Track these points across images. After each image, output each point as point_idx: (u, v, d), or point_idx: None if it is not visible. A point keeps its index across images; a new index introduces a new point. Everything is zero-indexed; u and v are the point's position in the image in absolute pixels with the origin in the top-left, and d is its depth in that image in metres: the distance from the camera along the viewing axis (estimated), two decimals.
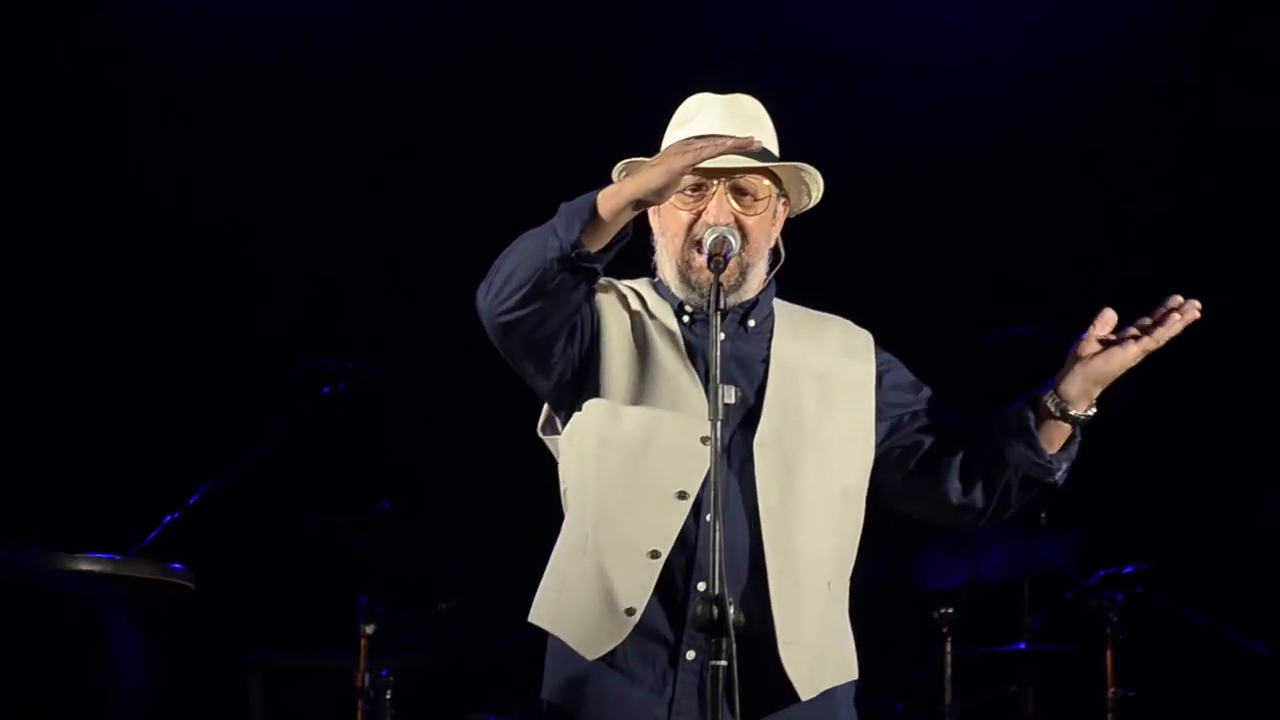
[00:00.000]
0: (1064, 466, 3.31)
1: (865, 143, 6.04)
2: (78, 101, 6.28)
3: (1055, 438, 3.29)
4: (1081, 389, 3.25)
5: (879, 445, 3.37)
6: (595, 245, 3.09)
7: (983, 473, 3.32)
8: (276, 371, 5.73)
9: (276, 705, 5.83)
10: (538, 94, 6.31)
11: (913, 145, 6.30)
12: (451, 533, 5.95)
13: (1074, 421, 3.27)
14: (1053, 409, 3.26)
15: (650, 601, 3.19)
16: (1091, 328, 3.27)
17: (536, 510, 3.59)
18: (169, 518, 5.29)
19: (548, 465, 3.45)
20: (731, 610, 2.95)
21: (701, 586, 3.11)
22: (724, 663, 2.95)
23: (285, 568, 5.95)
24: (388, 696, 5.38)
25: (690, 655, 3.16)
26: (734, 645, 2.95)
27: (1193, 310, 3.23)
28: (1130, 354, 3.23)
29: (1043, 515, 5.88)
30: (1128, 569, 5.62)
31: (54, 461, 6.09)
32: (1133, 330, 3.24)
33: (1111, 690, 5.58)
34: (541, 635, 3.35)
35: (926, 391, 3.43)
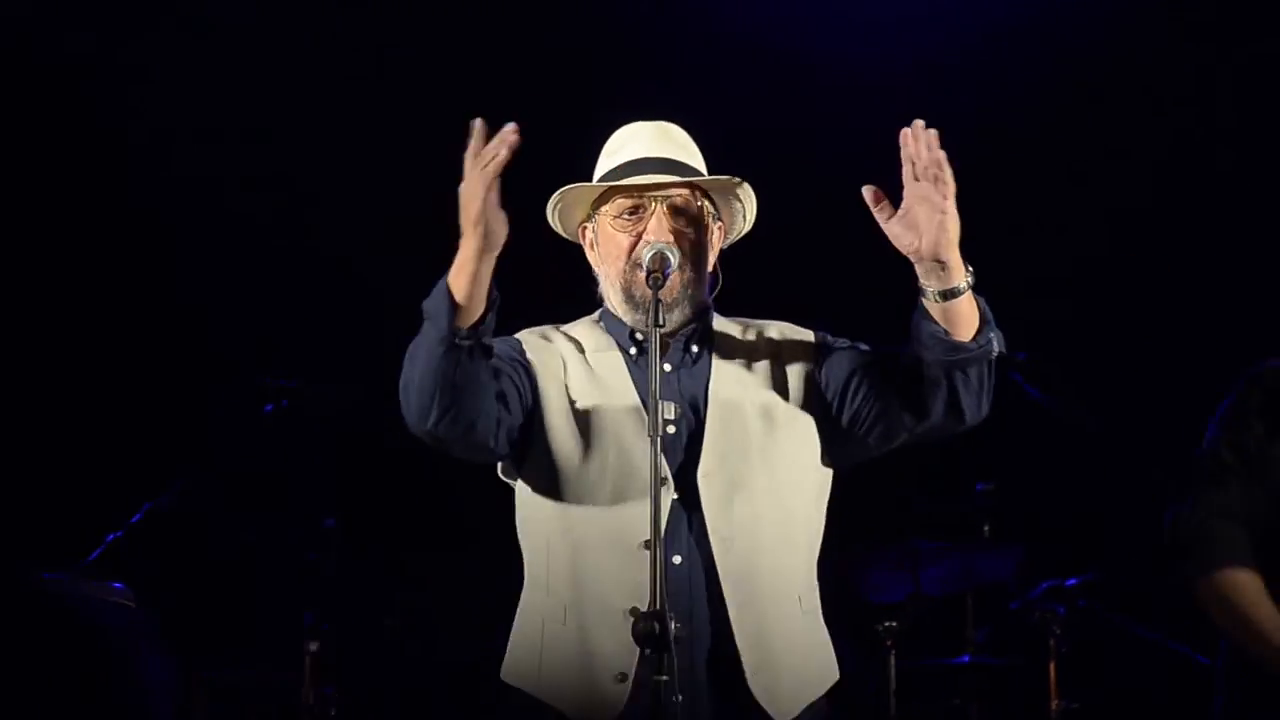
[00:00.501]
0: (990, 337, 3.15)
1: (820, 158, 6.06)
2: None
3: (965, 317, 3.13)
4: (931, 270, 3.10)
5: (838, 419, 3.32)
6: (471, 319, 3.07)
7: (930, 389, 3.19)
8: (220, 388, 5.70)
9: None
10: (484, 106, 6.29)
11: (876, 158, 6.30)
12: (396, 550, 5.94)
13: (957, 294, 3.11)
14: (935, 300, 3.12)
15: (639, 659, 3.15)
16: (876, 214, 3.13)
17: (484, 530, 3.58)
18: (112, 536, 5.27)
19: (495, 486, 3.45)
20: (673, 625, 2.96)
21: (683, 628, 3.07)
22: (666, 678, 2.96)
23: (229, 585, 5.92)
24: (332, 714, 5.37)
25: (679, 698, 3.09)
26: (675, 661, 2.97)
27: (923, 135, 3.06)
28: (935, 220, 3.06)
29: (986, 529, 5.91)
30: (1070, 581, 5.64)
31: None
32: (917, 192, 3.07)
33: (1055, 702, 5.60)
34: (489, 653, 3.35)
35: (862, 346, 3.37)
